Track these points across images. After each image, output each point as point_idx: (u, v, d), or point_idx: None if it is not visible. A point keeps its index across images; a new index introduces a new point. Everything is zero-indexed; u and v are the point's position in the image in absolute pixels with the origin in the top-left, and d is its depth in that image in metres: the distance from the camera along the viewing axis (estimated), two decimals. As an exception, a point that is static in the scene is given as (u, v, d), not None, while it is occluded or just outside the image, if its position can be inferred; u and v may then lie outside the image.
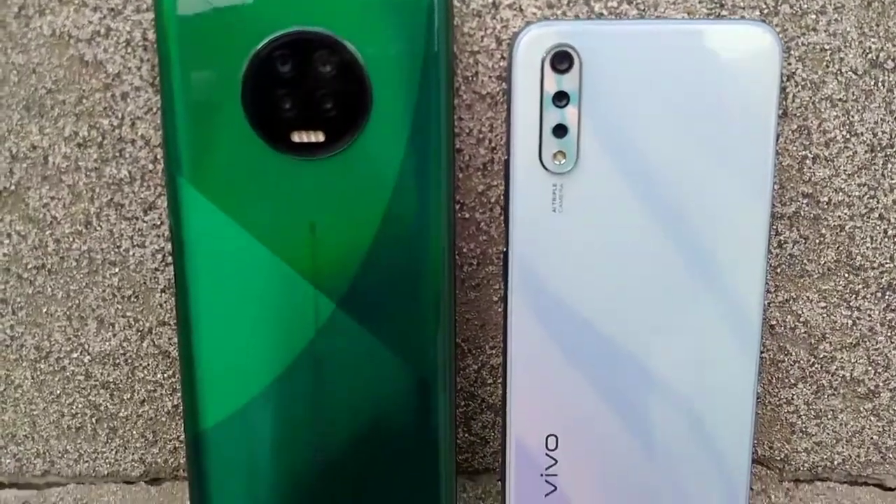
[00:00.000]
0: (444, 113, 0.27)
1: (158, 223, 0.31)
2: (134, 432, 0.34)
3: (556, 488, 0.31)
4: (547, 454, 0.30)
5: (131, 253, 0.32)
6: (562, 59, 0.27)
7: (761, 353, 0.32)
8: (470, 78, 0.30)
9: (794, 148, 0.31)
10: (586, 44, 0.27)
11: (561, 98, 0.28)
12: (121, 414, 0.34)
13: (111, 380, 0.33)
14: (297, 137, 0.27)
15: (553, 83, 0.28)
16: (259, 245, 0.28)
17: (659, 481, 0.31)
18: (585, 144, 0.28)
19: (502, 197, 0.31)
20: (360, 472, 0.30)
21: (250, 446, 0.29)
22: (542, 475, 0.31)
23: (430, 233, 0.28)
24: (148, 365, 0.33)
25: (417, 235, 0.28)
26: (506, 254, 0.29)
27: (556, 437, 0.30)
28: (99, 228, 0.31)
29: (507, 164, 0.29)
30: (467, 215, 0.32)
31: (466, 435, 0.34)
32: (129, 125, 0.30)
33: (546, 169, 0.28)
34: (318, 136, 0.27)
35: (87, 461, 0.34)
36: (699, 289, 0.29)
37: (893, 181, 0.31)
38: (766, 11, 0.29)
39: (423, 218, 0.28)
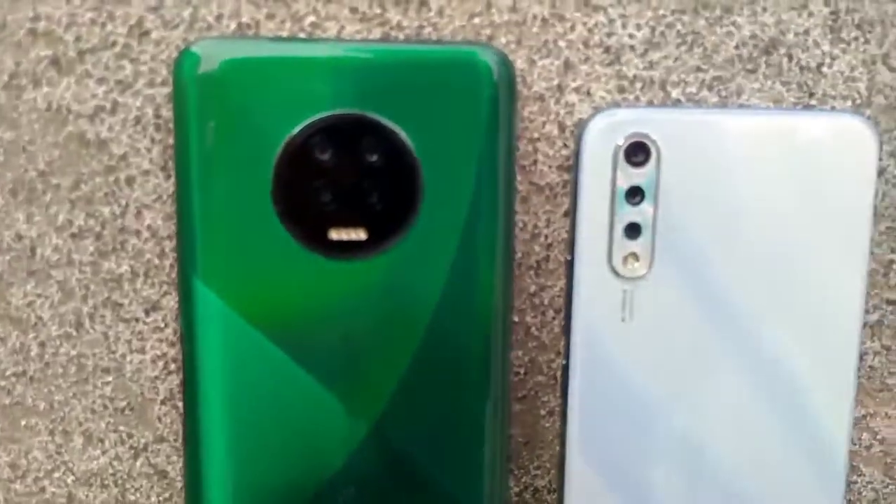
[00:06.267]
0: (501, 211, 0.25)
1: (162, 325, 0.27)
2: (121, 564, 0.29)
3: None
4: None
5: (128, 359, 0.28)
6: (637, 151, 0.25)
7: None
8: (527, 167, 0.27)
9: (881, 251, 0.28)
10: (664, 134, 0.25)
11: (635, 194, 0.25)
12: (106, 542, 0.29)
13: (98, 503, 0.29)
14: (336, 235, 0.24)
15: (626, 177, 0.25)
16: (285, 357, 0.25)
17: None
18: (661, 246, 0.25)
19: (557, 300, 0.28)
20: None
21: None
22: None
23: (480, 348, 0.25)
24: (141, 486, 0.29)
25: (466, 347, 0.25)
26: (566, 367, 0.26)
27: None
28: (92, 331, 0.27)
29: (569, 266, 0.26)
30: (516, 318, 0.28)
31: (504, 564, 0.31)
32: (133, 214, 0.27)
33: (616, 273, 0.25)
34: (359, 234, 0.24)
35: None
36: (779, 412, 0.26)
37: (985, 288, 0.28)
38: (858, 102, 0.27)
39: (473, 331, 0.25)
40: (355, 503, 0.26)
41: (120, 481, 0.29)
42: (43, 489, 0.29)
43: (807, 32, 0.26)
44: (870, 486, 0.31)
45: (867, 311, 0.29)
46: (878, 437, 0.30)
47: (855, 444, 0.30)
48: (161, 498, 0.29)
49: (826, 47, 0.26)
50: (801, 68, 0.26)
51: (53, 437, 0.29)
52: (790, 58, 0.26)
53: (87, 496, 0.29)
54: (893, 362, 0.29)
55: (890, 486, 0.31)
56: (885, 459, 0.31)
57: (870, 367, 0.29)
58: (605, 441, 0.26)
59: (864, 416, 0.30)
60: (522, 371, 0.29)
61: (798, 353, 0.26)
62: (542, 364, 0.29)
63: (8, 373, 0.28)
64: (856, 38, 0.26)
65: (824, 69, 0.27)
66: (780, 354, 0.26)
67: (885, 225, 0.28)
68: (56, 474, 0.29)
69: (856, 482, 0.31)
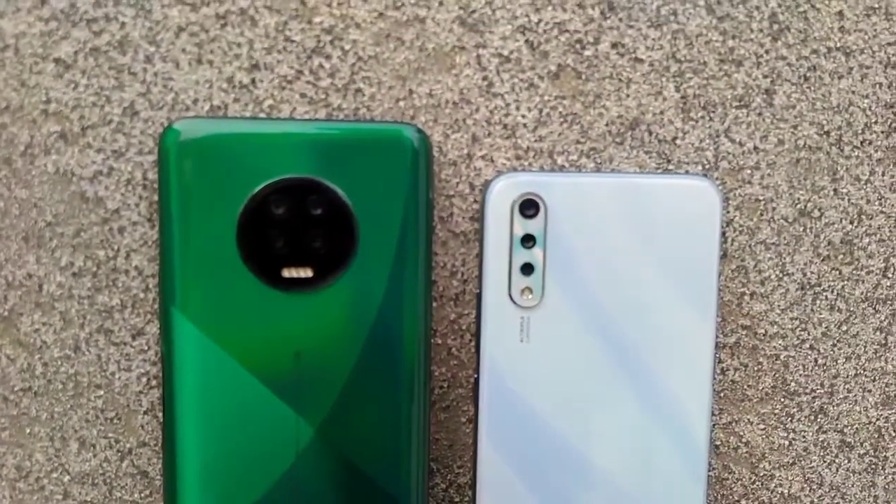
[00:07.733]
0: (423, 250, 0.29)
1: (146, 348, 0.33)
2: (107, 551, 0.34)
3: None
4: (512, 571, 0.32)
5: (117, 376, 0.33)
6: (529, 206, 0.30)
7: (707, 471, 0.35)
8: (445, 218, 0.33)
9: (734, 285, 0.34)
10: (550, 193, 0.30)
11: (528, 240, 0.30)
12: (95, 533, 0.34)
13: (89, 499, 0.34)
14: (288, 273, 0.29)
15: (521, 227, 0.30)
16: (246, 373, 0.29)
17: None
18: (550, 282, 0.31)
19: (472, 325, 0.34)
20: None
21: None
22: (507, 591, 0.32)
23: (408, 361, 0.30)
24: (126, 485, 0.34)
25: (395, 364, 0.30)
26: (476, 380, 0.31)
27: (520, 554, 0.32)
28: (87, 353, 0.33)
29: (478, 297, 0.31)
30: (439, 341, 0.34)
31: (432, 551, 0.36)
32: (123, 256, 0.32)
33: (514, 303, 0.31)
34: (306, 272, 0.29)
35: (58, 581, 0.34)
36: (653, 414, 0.31)
37: (822, 316, 0.34)
38: (707, 167, 0.33)
39: (401, 348, 0.30)
40: (306, 499, 0.30)
41: (108, 480, 0.34)
42: (43, 487, 0.34)
43: (662, 113, 0.33)
44: (739, 482, 0.36)
45: (726, 335, 0.35)
46: (744, 440, 0.36)
47: (724, 447, 0.36)
48: (143, 494, 0.34)
49: (679, 124, 0.33)
50: (660, 141, 0.33)
51: (53, 442, 0.33)
52: (650, 132, 0.33)
53: (80, 493, 0.34)
54: (751, 376, 0.35)
55: (756, 483, 0.36)
56: (750, 459, 0.36)
57: (731, 380, 0.35)
58: (509, 439, 0.31)
59: (731, 423, 0.36)
60: (445, 385, 0.35)
61: (664, 366, 0.31)
62: (462, 379, 0.34)
63: (16, 388, 0.33)
64: (702, 117, 0.33)
65: (678, 141, 0.33)
66: (650, 369, 0.31)
67: (735, 264, 0.34)
68: (54, 474, 0.34)
69: (727, 479, 0.36)
